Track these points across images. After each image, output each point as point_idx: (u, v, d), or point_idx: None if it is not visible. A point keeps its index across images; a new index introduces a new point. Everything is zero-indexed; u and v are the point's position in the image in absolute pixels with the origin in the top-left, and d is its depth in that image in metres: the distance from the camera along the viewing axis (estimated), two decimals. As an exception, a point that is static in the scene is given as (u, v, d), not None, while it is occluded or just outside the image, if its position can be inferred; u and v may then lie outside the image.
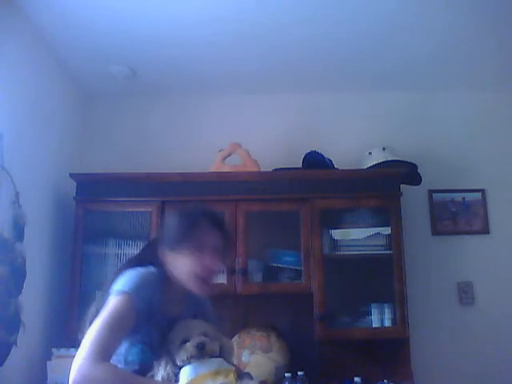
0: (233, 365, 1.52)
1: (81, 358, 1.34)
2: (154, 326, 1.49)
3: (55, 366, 2.46)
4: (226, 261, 1.63)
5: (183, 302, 1.61)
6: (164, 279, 1.55)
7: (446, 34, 2.72)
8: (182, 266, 1.54)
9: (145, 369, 1.45)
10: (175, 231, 1.57)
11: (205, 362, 1.41)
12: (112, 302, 1.44)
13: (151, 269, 1.56)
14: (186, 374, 1.39)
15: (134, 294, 1.45)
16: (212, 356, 1.44)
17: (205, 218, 1.59)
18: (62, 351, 2.50)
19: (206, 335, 1.46)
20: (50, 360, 2.49)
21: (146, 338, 1.48)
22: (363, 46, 2.83)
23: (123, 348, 1.46)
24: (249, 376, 1.52)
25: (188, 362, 1.40)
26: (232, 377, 1.40)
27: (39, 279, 2.60)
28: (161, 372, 1.40)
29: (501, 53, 2.90)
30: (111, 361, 1.40)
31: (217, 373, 1.39)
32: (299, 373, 2.50)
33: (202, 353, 1.41)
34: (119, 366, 1.44)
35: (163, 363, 1.41)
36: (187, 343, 1.42)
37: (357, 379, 2.54)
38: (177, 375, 1.40)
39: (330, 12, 2.51)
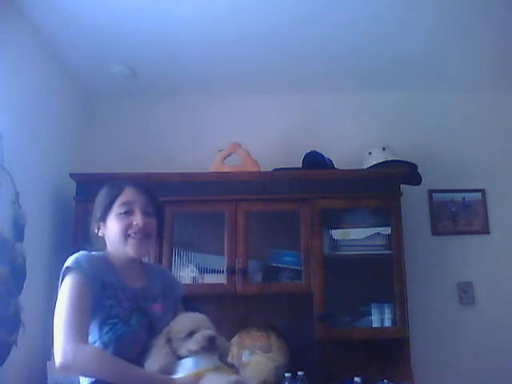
0: (230, 365, 1.51)
1: (61, 341, 1.38)
2: (117, 299, 1.50)
3: (55, 366, 2.46)
4: (155, 213, 1.65)
5: (142, 276, 1.64)
6: (109, 257, 1.60)
7: (446, 34, 2.72)
8: (112, 232, 1.59)
9: (124, 344, 1.44)
10: (97, 205, 1.64)
11: (206, 357, 1.39)
12: (64, 282, 1.49)
13: (95, 252, 1.61)
14: (187, 365, 1.37)
15: (79, 269, 1.48)
16: (219, 351, 1.42)
17: (114, 184, 1.66)
18: (62, 351, 2.50)
19: (211, 329, 1.44)
20: (50, 360, 2.48)
21: (111, 312, 1.48)
22: (363, 46, 2.83)
23: (96, 332, 1.46)
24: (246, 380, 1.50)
25: (193, 353, 1.38)
26: (234, 374, 1.39)
27: (39, 279, 2.60)
28: (159, 362, 1.38)
29: (501, 53, 2.90)
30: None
31: (218, 368, 1.38)
32: (299, 373, 2.50)
33: (211, 346, 1.39)
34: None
35: (164, 352, 1.38)
36: (196, 334, 1.39)
37: (357, 379, 2.54)
38: (175, 366, 1.38)
39: (330, 12, 2.52)
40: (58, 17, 2.50)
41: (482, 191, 3.19)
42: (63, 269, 1.51)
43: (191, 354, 1.38)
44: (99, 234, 1.63)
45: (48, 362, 2.48)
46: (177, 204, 2.75)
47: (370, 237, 2.75)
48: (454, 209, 3.17)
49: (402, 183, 2.87)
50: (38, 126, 2.64)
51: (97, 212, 1.63)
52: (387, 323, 2.67)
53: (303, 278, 2.70)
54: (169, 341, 1.42)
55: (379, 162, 2.91)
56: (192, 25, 2.60)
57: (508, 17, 2.56)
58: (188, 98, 3.33)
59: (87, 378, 1.47)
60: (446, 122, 3.31)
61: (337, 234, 2.76)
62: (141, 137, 3.27)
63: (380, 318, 2.69)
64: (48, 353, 2.51)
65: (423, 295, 2.98)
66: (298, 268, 2.74)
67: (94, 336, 1.46)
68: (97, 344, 1.46)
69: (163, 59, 2.93)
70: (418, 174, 2.97)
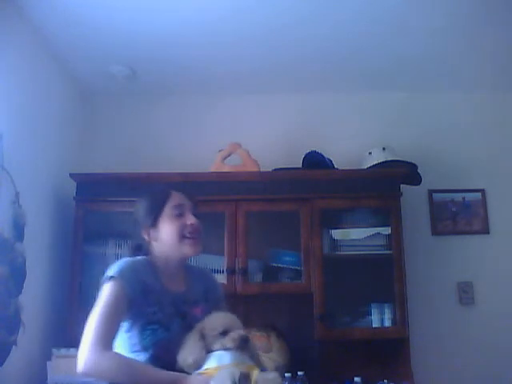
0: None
1: (84, 348, 1.42)
2: (159, 305, 1.55)
3: (55, 366, 2.46)
4: (197, 214, 1.72)
5: (184, 280, 1.69)
6: (153, 262, 1.64)
7: (446, 34, 2.72)
8: (166, 234, 1.64)
9: (164, 347, 1.48)
10: (144, 212, 1.69)
11: (237, 354, 1.42)
12: (103, 289, 1.54)
13: (138, 257, 1.66)
14: (217, 358, 1.40)
15: (120, 277, 1.53)
16: (250, 351, 1.47)
17: (158, 191, 1.74)
18: (62, 351, 2.50)
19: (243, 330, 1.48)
20: (50, 360, 2.49)
21: (153, 318, 1.53)
22: (363, 46, 2.83)
23: (136, 336, 1.51)
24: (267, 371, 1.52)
25: (229, 350, 1.42)
26: (257, 371, 1.41)
27: (39, 279, 2.60)
28: (193, 356, 1.41)
29: (501, 53, 2.90)
30: (128, 351, 1.50)
31: (240, 364, 1.41)
32: (299, 373, 2.50)
33: (245, 345, 1.43)
34: (139, 354, 1.49)
35: (198, 347, 1.42)
36: (231, 333, 1.43)
37: (357, 379, 2.54)
38: (205, 359, 1.41)
39: (330, 12, 2.52)
40: (58, 17, 2.50)
41: (482, 191, 3.19)
42: (105, 276, 1.56)
43: (224, 349, 1.42)
44: (148, 239, 1.67)
45: (48, 362, 2.48)
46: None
47: (369, 237, 2.75)
48: (454, 209, 3.17)
49: (402, 183, 2.87)
50: (38, 126, 2.64)
51: (145, 219, 1.67)
52: (387, 323, 2.67)
53: (303, 278, 2.70)
54: (202, 337, 1.45)
55: (379, 161, 2.91)
56: (192, 25, 2.59)
57: (508, 17, 2.56)
58: (188, 98, 3.33)
59: None
60: (445, 122, 3.31)
61: (337, 234, 2.77)
62: (141, 137, 3.27)
63: (380, 317, 2.69)
64: (48, 353, 2.52)
65: (423, 295, 2.98)
66: (298, 268, 2.74)
67: (134, 340, 1.51)
68: (137, 348, 1.50)
69: (163, 59, 2.93)
70: (418, 174, 2.97)
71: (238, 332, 1.44)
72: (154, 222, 1.66)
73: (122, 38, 2.70)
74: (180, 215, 1.66)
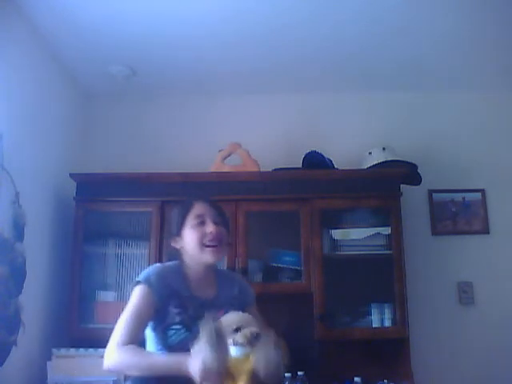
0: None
1: (109, 347, 1.58)
2: (183, 308, 1.66)
3: (55, 366, 2.46)
4: (224, 223, 1.82)
5: (213, 286, 1.79)
6: (183, 268, 1.77)
7: (446, 34, 2.72)
8: (189, 242, 1.74)
9: (185, 347, 1.53)
10: (172, 222, 1.83)
11: (244, 348, 1.49)
12: (132, 293, 1.69)
13: (169, 263, 1.81)
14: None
15: (147, 281, 1.67)
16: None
17: (185, 202, 1.84)
18: (62, 351, 2.50)
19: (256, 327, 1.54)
20: (50, 360, 2.48)
21: (176, 319, 1.64)
22: (363, 46, 2.83)
23: (161, 336, 1.64)
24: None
25: (238, 345, 1.49)
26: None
27: (39, 279, 2.60)
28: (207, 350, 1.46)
29: (501, 53, 2.90)
30: (153, 349, 1.65)
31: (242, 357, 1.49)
32: (299, 373, 2.50)
33: (255, 341, 1.50)
34: (162, 353, 1.62)
35: (212, 339, 1.47)
36: (244, 330, 1.50)
37: (357, 379, 2.54)
38: None
39: (330, 12, 2.52)
40: (58, 17, 2.50)
41: (482, 191, 3.18)
42: (134, 281, 1.71)
43: (236, 344, 1.49)
44: (176, 246, 1.79)
45: (48, 362, 2.48)
46: (177, 204, 2.75)
47: (370, 237, 2.75)
48: (453, 209, 3.17)
49: (402, 183, 2.87)
50: (38, 126, 2.64)
51: (172, 228, 1.81)
52: (387, 323, 2.67)
53: (303, 278, 2.70)
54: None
55: (379, 161, 2.91)
56: (192, 25, 2.59)
57: (509, 17, 2.56)
58: (188, 98, 3.33)
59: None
60: (446, 122, 3.31)
61: (337, 234, 2.77)
62: (141, 137, 3.27)
63: (380, 318, 2.69)
64: (48, 353, 2.52)
65: (423, 295, 2.98)
66: (298, 268, 2.74)
67: (159, 339, 1.65)
68: (160, 346, 1.64)
69: (163, 59, 2.93)
70: (418, 173, 2.97)
71: (250, 329, 1.51)
72: (179, 232, 1.77)
73: (122, 38, 2.69)
74: (201, 224, 1.74)
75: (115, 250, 2.78)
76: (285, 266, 2.79)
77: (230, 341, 1.49)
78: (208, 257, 1.73)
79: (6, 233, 2.25)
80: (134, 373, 1.57)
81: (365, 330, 2.70)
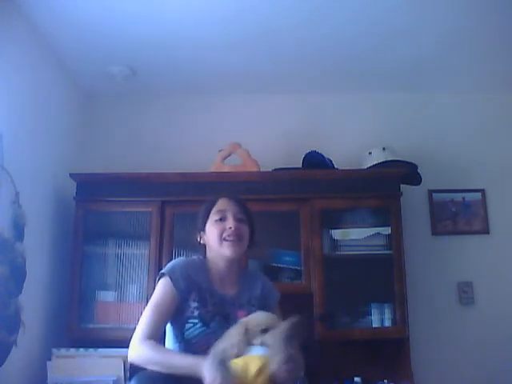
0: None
1: (133, 338, 1.62)
2: (203, 302, 1.70)
3: (55, 366, 2.46)
4: (247, 220, 1.87)
5: (236, 283, 1.82)
6: (207, 263, 1.81)
7: (445, 35, 2.72)
8: (211, 237, 1.80)
9: (201, 341, 1.61)
10: (199, 216, 1.87)
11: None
12: (156, 286, 1.73)
13: (194, 257, 1.87)
14: (253, 352, 1.48)
15: (170, 274, 1.71)
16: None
17: (210, 198, 1.90)
18: (62, 351, 2.50)
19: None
20: (50, 360, 2.48)
21: (194, 312, 1.68)
22: (363, 47, 2.83)
23: (179, 329, 1.68)
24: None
25: (265, 346, 1.49)
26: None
27: (39, 279, 2.60)
28: (234, 346, 1.48)
29: (501, 53, 2.90)
30: (171, 341, 1.70)
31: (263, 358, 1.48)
32: (299, 373, 2.50)
33: (285, 344, 1.49)
34: (179, 345, 1.67)
35: (242, 339, 1.49)
36: (273, 331, 1.51)
37: (357, 379, 2.55)
38: (244, 351, 1.49)
39: (331, 13, 2.52)
40: (58, 17, 2.50)
41: (482, 191, 3.19)
42: (159, 273, 1.76)
43: (263, 345, 1.50)
44: (201, 242, 1.86)
45: (48, 362, 2.48)
46: (177, 204, 2.75)
47: (370, 237, 2.75)
48: (453, 209, 3.17)
49: (402, 183, 2.87)
50: (38, 126, 2.64)
51: (198, 223, 1.86)
52: (387, 323, 2.67)
53: (303, 278, 2.70)
54: (246, 332, 1.53)
55: (379, 161, 2.91)
56: (192, 25, 2.59)
57: (509, 17, 2.56)
58: (188, 98, 3.33)
59: None
60: (446, 122, 3.31)
61: (337, 234, 2.76)
62: (141, 137, 3.27)
63: (380, 318, 2.69)
64: (48, 353, 2.52)
65: (423, 295, 2.98)
66: (298, 268, 2.74)
67: (177, 331, 1.70)
68: (179, 339, 1.68)
69: (163, 59, 2.92)
70: (418, 174, 2.97)
71: (279, 330, 1.51)
72: (203, 227, 1.84)
73: (121, 39, 2.69)
74: (222, 219, 1.80)
75: (115, 250, 2.78)
76: (285, 266, 2.79)
77: (257, 341, 1.50)
78: (226, 251, 1.76)
79: (6, 233, 2.25)
80: (154, 368, 1.58)
81: (365, 330, 2.70)
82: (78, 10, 2.45)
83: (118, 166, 2.96)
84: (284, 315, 2.89)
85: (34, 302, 2.51)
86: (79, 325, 2.64)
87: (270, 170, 2.94)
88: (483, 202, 3.17)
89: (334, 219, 2.80)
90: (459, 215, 3.16)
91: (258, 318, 1.57)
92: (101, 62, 2.93)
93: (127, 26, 2.59)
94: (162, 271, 1.75)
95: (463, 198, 3.18)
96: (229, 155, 2.95)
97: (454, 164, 3.23)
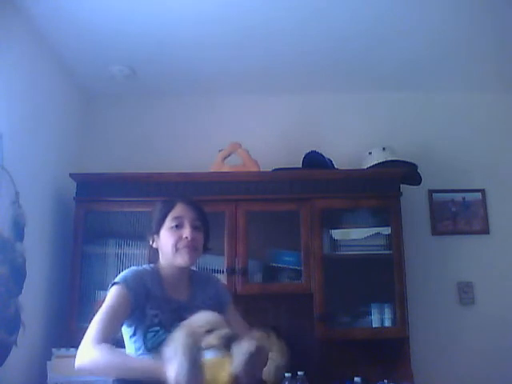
0: None
1: (82, 343, 1.55)
2: (161, 311, 1.66)
3: (55, 366, 2.46)
4: (203, 227, 1.81)
5: (188, 287, 1.79)
6: (159, 270, 1.76)
7: (445, 35, 2.72)
8: (165, 244, 1.74)
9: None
10: (152, 219, 1.81)
11: (219, 352, 1.47)
12: (108, 294, 1.67)
13: (145, 266, 1.79)
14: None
15: (123, 283, 1.65)
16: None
17: (167, 200, 1.83)
18: (62, 351, 2.50)
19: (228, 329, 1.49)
20: (50, 360, 2.48)
21: (154, 320, 1.64)
22: (363, 47, 2.83)
23: (141, 339, 1.63)
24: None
25: (211, 348, 1.44)
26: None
27: (39, 279, 2.60)
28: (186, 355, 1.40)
29: (501, 53, 2.90)
30: (134, 355, 1.62)
31: (216, 360, 1.47)
32: (299, 373, 2.50)
33: (229, 344, 1.46)
34: (144, 356, 1.61)
35: (184, 342, 1.41)
36: (217, 331, 1.45)
37: (357, 379, 2.54)
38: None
39: (331, 13, 2.51)
40: (58, 17, 2.49)
41: (482, 191, 3.18)
42: (111, 282, 1.69)
43: (209, 347, 1.44)
44: (154, 246, 1.80)
45: (48, 362, 2.48)
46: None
47: (370, 237, 2.75)
48: (453, 209, 3.17)
49: (402, 183, 2.87)
50: (38, 126, 2.64)
51: (152, 226, 1.79)
52: (387, 323, 2.67)
53: (303, 278, 2.70)
54: (190, 334, 1.46)
55: (379, 161, 2.91)
56: (192, 25, 2.59)
57: (509, 17, 2.56)
58: (188, 98, 3.33)
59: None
60: (446, 121, 3.31)
61: (337, 234, 2.76)
62: (141, 137, 3.27)
63: (380, 317, 2.69)
64: (48, 353, 2.52)
65: (423, 295, 2.98)
66: (298, 268, 2.74)
67: (139, 343, 1.64)
68: (141, 351, 1.62)
69: (163, 59, 2.92)
70: (418, 173, 2.97)
71: (224, 331, 1.46)
72: (157, 231, 1.77)
73: (122, 39, 2.69)
74: (178, 226, 1.74)
75: (115, 250, 2.78)
76: (285, 266, 2.79)
77: (204, 343, 1.42)
78: (180, 260, 1.72)
79: (6, 233, 2.25)
80: (106, 373, 1.52)
81: (365, 330, 2.70)
82: (77, 10, 2.45)
83: (118, 165, 2.96)
84: (284, 315, 2.91)
85: (33, 301, 2.51)
86: (79, 325, 2.64)
87: (269, 170, 2.94)
88: (483, 202, 3.17)
89: (334, 219, 2.80)
90: (459, 215, 3.16)
91: (200, 318, 1.50)
92: (101, 62, 2.93)
93: (127, 25, 2.59)
94: (114, 280, 1.68)
95: (463, 198, 3.18)
96: (229, 155, 2.95)
97: (453, 164, 3.23)
